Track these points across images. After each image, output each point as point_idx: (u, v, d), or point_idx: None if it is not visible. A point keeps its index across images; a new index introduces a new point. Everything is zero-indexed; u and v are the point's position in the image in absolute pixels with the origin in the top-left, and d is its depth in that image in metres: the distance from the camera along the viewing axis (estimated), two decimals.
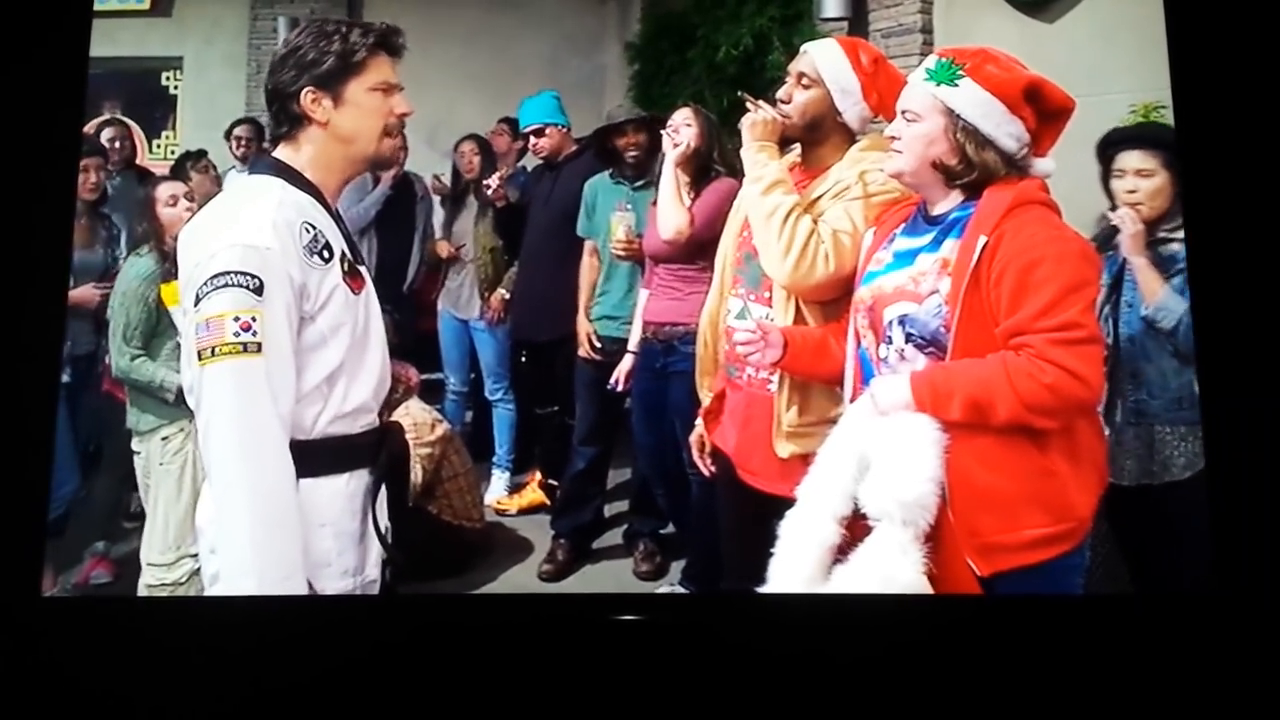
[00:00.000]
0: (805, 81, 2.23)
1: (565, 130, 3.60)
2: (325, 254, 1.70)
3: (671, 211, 2.85)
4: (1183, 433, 2.38)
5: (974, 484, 1.77)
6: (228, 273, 1.61)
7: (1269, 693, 1.99)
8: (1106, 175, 2.51)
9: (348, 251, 1.75)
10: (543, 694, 2.04)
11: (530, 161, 3.84)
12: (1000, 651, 2.01)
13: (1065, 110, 1.89)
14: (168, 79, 4.57)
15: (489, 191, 3.64)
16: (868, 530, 1.80)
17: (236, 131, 4.03)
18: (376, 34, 1.77)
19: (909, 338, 1.86)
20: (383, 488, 1.81)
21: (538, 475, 3.66)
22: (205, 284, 1.62)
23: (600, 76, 4.65)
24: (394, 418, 1.91)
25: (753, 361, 2.15)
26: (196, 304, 1.63)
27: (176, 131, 4.55)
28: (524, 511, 3.60)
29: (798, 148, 2.32)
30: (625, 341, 3.22)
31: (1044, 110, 1.87)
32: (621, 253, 3.18)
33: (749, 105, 2.27)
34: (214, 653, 2.03)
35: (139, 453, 2.92)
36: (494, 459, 3.76)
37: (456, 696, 2.05)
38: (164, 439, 2.87)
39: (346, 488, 1.75)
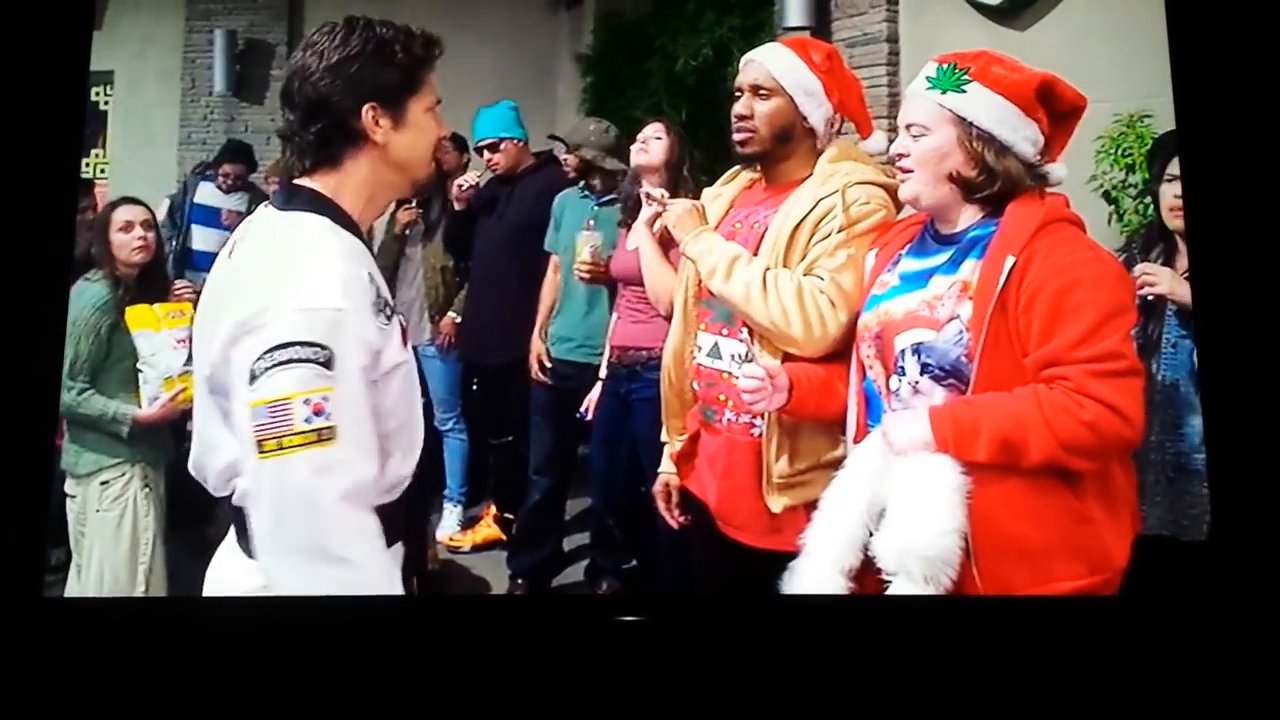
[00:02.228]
0: (763, 92, 2.09)
1: (522, 143, 3.44)
2: (387, 311, 1.52)
3: (662, 281, 2.47)
4: None
5: (1002, 533, 1.65)
6: (292, 344, 1.39)
7: (1264, 695, 1.93)
8: (1158, 180, 2.35)
9: (391, 300, 1.56)
10: (542, 695, 2.00)
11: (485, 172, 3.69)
12: (998, 652, 1.95)
13: (1078, 109, 1.80)
14: (97, 94, 4.41)
15: (455, 193, 3.45)
16: (879, 584, 1.68)
17: (226, 168, 3.86)
18: (437, 46, 1.60)
19: (925, 368, 1.72)
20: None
21: (492, 509, 3.50)
22: (262, 358, 1.39)
23: (552, 89, 4.55)
24: None
25: (758, 409, 1.99)
26: (251, 382, 1.40)
27: (106, 150, 4.41)
28: (478, 548, 3.44)
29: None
30: (578, 365, 3.10)
31: (1056, 111, 1.78)
32: (586, 275, 2.97)
33: (657, 204, 2.21)
34: (215, 653, 1.99)
35: (74, 497, 2.73)
36: (445, 492, 3.58)
37: (456, 698, 2.01)
38: (104, 483, 2.71)
39: (395, 557, 1.58)
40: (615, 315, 2.97)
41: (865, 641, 1.96)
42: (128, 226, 2.76)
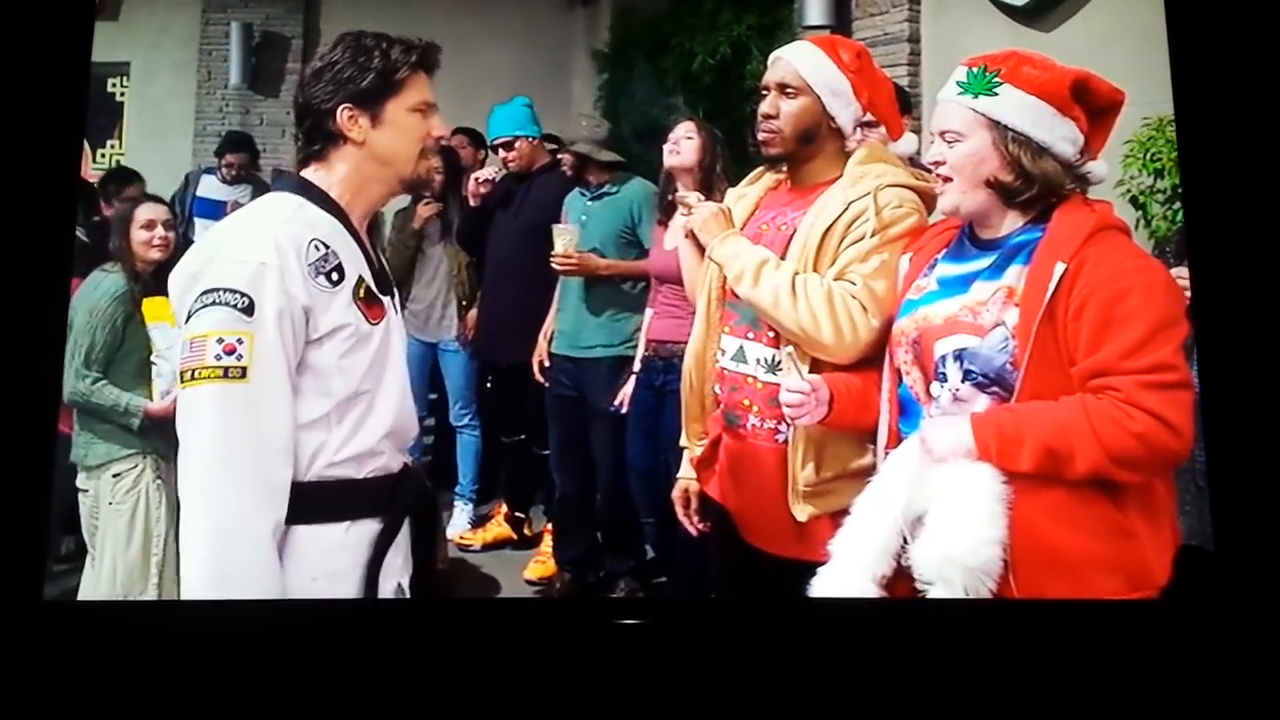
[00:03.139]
0: (789, 91, 2.04)
1: (536, 141, 3.43)
2: (334, 276, 1.62)
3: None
4: None
5: (1043, 545, 1.61)
6: (216, 289, 1.55)
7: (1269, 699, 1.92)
8: None
9: (367, 277, 1.67)
10: (545, 699, 2.00)
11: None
12: (1003, 655, 1.93)
13: (1115, 104, 1.77)
14: (113, 85, 4.42)
15: (471, 188, 3.45)
16: (911, 592, 1.65)
17: (229, 158, 3.90)
18: (418, 51, 1.71)
19: (968, 375, 1.68)
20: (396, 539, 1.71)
21: (503, 508, 3.49)
22: (195, 300, 1.56)
23: (568, 85, 4.54)
24: None
25: (801, 424, 1.94)
26: (187, 321, 1.57)
27: (122, 141, 4.41)
28: (488, 547, 3.42)
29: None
30: (571, 359, 3.13)
31: (1093, 107, 1.74)
32: (558, 267, 3.06)
33: (683, 209, 2.17)
34: (215, 657, 1.99)
35: (86, 490, 2.74)
36: (456, 489, 3.56)
37: (459, 701, 2.01)
38: (115, 476, 2.72)
39: (346, 537, 1.65)
40: (650, 310, 2.98)
41: (880, 647, 1.93)
42: (150, 225, 2.80)
